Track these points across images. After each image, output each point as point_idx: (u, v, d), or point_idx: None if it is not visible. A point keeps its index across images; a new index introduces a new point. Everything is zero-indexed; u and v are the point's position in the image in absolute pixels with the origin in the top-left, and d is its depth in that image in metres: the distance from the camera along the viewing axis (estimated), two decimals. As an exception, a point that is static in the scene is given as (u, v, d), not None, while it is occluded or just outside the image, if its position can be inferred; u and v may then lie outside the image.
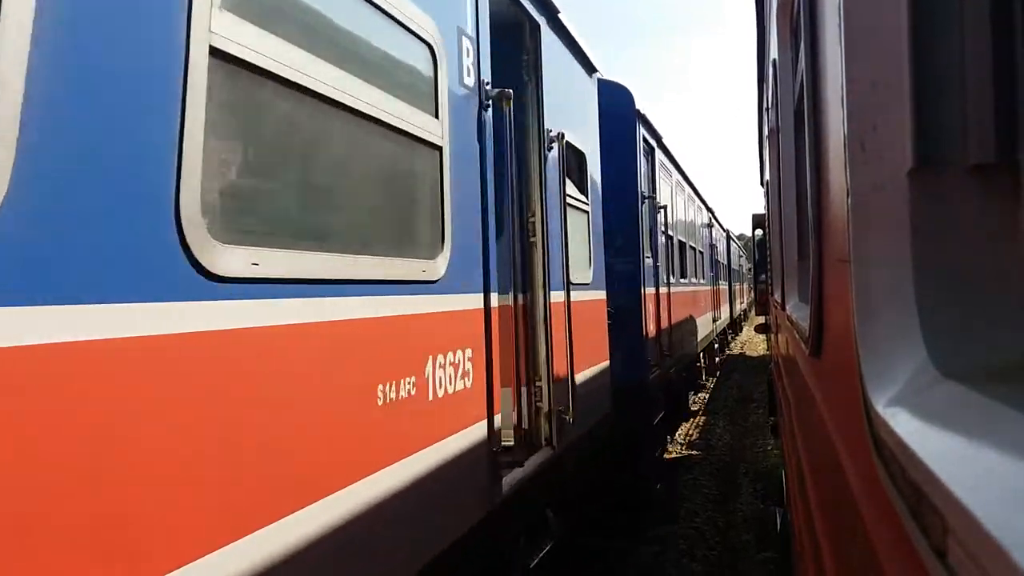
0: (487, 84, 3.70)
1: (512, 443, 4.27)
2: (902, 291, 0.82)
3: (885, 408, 0.78)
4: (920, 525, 0.60)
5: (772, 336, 7.93)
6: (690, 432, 12.57)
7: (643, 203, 8.20)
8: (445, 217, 3.14)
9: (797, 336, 2.62)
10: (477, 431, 3.32)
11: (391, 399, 2.56)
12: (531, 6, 4.57)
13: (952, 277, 0.79)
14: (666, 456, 10.63)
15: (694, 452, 11.19)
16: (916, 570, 0.61)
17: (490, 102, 3.70)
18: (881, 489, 0.78)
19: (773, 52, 4.26)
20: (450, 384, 3.07)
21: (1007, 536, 0.42)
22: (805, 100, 1.82)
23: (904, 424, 0.71)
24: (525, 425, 4.36)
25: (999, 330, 0.76)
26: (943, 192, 0.79)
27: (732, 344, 27.34)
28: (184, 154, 1.66)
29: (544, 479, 4.37)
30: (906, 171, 0.80)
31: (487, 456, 3.42)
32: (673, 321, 9.83)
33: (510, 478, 3.74)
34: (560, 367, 4.60)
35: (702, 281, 15.27)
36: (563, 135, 4.90)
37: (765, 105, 6.64)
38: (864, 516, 0.95)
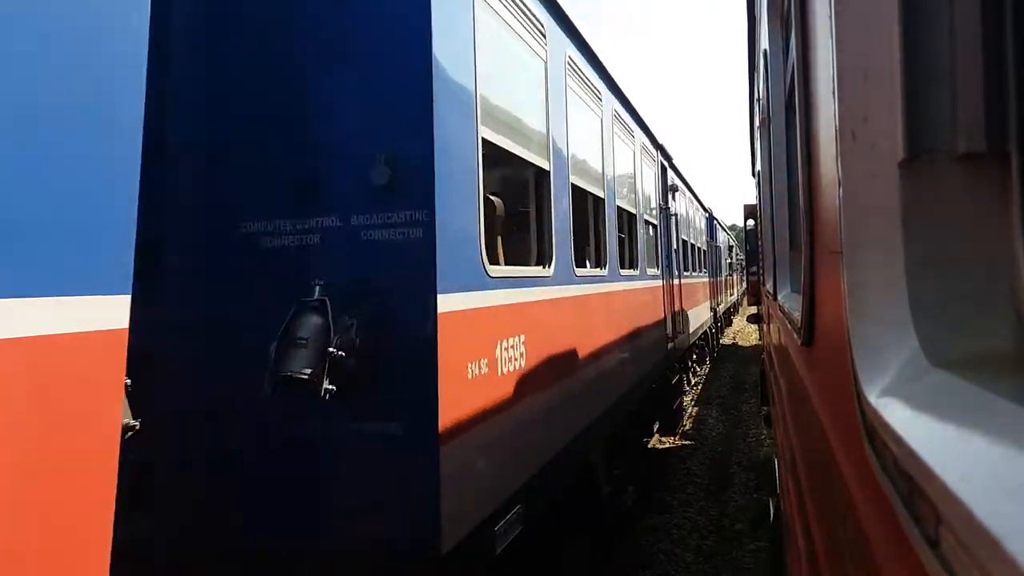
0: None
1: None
2: (893, 281, 0.82)
3: (877, 398, 0.79)
4: (912, 515, 0.61)
5: (764, 326, 7.97)
6: (683, 422, 12.62)
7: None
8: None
9: (789, 326, 2.63)
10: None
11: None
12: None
13: (943, 267, 0.79)
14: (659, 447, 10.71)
15: (687, 442, 11.24)
16: (909, 560, 0.61)
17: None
18: (873, 479, 0.78)
19: (764, 43, 4.26)
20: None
21: (999, 526, 0.42)
22: (796, 91, 1.82)
23: (896, 414, 0.71)
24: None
25: (990, 319, 0.76)
26: (934, 182, 0.79)
27: (724, 332, 27.42)
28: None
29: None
30: (897, 161, 0.80)
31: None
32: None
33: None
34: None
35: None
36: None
37: (756, 96, 6.65)
38: (856, 506, 0.95)
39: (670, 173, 11.56)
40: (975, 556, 0.45)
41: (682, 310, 11.76)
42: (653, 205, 9.67)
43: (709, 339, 19.34)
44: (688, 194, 14.94)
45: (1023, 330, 0.73)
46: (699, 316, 15.58)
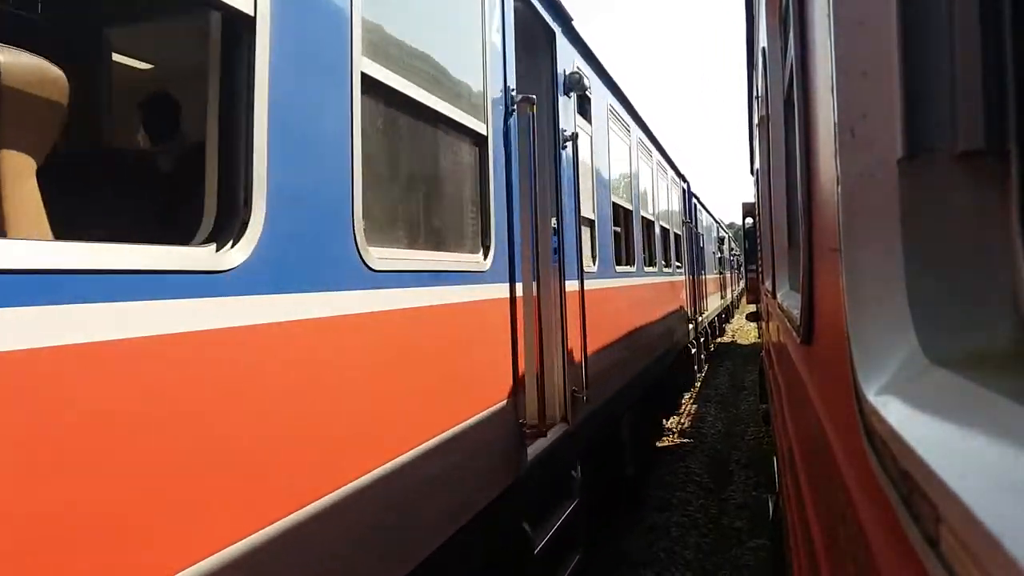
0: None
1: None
2: (892, 279, 0.82)
3: (876, 396, 0.79)
4: (912, 513, 0.61)
5: (763, 324, 7.97)
6: (682, 421, 12.63)
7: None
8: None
9: (788, 324, 2.63)
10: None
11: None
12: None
13: (942, 264, 0.79)
14: (657, 444, 10.68)
15: (686, 440, 11.25)
16: (908, 558, 0.61)
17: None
18: (872, 477, 0.78)
19: (762, 40, 4.26)
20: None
21: (999, 525, 0.42)
22: (795, 88, 1.82)
23: (895, 412, 0.71)
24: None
25: (989, 317, 0.76)
26: (933, 180, 0.79)
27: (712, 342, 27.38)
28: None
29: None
30: (896, 159, 0.80)
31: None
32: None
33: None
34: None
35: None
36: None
37: (755, 93, 6.65)
38: (855, 504, 0.95)
39: (566, 49, 5.38)
40: (974, 555, 0.45)
41: (608, 346, 6.22)
42: (471, 88, 3.61)
43: (688, 364, 13.40)
44: (638, 130, 8.93)
45: (1022, 327, 0.73)
46: (661, 342, 9.71)
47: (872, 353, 0.85)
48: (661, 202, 10.99)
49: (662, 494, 8.47)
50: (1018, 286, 0.72)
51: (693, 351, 14.08)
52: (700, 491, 8.66)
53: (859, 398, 0.84)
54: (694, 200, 16.39)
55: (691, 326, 13.65)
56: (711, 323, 20.41)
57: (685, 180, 14.62)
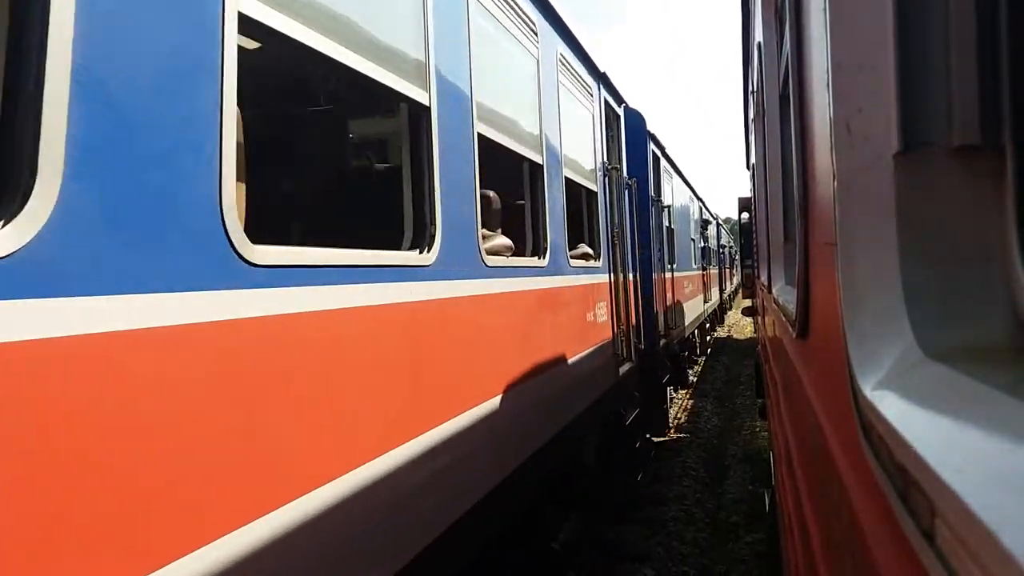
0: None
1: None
2: (888, 273, 0.82)
3: (872, 390, 0.79)
4: (908, 507, 0.61)
5: (759, 318, 7.99)
6: (678, 415, 12.65)
7: None
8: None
9: (784, 318, 2.63)
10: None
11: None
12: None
13: (937, 259, 0.79)
14: (655, 439, 10.71)
15: (683, 435, 11.27)
16: (904, 552, 0.61)
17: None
18: (868, 471, 0.78)
19: (758, 35, 4.25)
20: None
21: (995, 518, 0.42)
22: (790, 83, 1.82)
23: (891, 406, 0.71)
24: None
25: (984, 311, 0.76)
26: (928, 174, 0.79)
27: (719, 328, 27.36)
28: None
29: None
30: (892, 153, 0.80)
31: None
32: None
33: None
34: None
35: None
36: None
37: (751, 88, 6.64)
38: (851, 498, 0.95)
39: None
40: (971, 549, 0.45)
41: None
42: None
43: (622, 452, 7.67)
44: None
45: (1018, 322, 0.73)
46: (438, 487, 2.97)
47: (868, 347, 0.85)
48: (512, 97, 4.47)
49: (659, 489, 8.49)
50: (1013, 280, 0.72)
51: (634, 413, 7.53)
52: (697, 485, 8.68)
53: (855, 392, 0.84)
54: (651, 148, 10.08)
55: (626, 369, 7.20)
56: (689, 336, 14.47)
57: (617, 96, 7.86)
